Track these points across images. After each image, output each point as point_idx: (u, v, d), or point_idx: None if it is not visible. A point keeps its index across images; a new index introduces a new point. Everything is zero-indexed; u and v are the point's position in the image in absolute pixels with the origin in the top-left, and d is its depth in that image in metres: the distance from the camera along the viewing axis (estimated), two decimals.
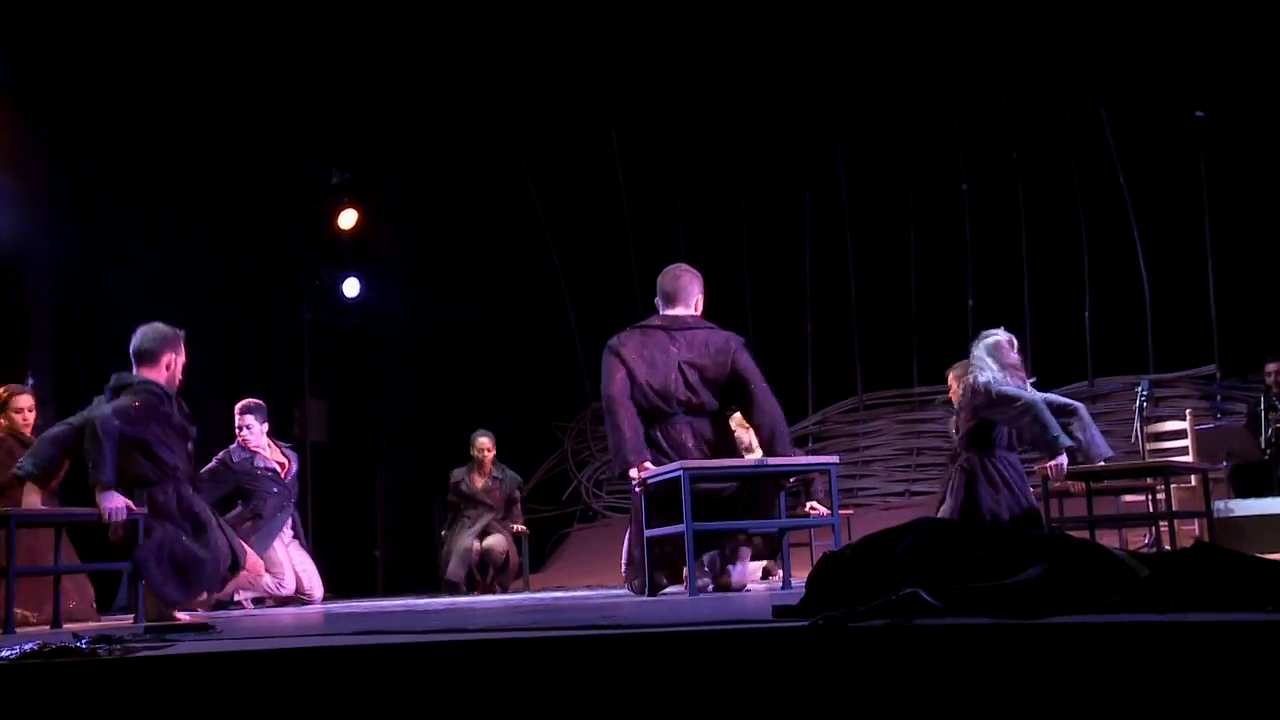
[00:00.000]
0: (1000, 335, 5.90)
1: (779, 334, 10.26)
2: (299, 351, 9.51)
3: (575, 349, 11.03)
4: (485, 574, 8.49)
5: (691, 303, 5.54)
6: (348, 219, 10.06)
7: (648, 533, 5.12)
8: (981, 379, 5.71)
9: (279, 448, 7.70)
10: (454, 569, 8.41)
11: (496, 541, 8.49)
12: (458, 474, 8.73)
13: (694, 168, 10.81)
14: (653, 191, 10.99)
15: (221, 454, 7.44)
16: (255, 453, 7.49)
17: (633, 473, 5.17)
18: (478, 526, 8.51)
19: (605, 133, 11.04)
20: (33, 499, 4.93)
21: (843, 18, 10.02)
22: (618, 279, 10.92)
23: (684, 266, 5.63)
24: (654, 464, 5.21)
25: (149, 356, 5.21)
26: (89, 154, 8.68)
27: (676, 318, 5.48)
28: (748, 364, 5.43)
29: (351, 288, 10.25)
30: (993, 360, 5.78)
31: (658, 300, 5.61)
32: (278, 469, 7.53)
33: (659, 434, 5.35)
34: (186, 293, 9.30)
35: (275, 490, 7.40)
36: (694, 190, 10.89)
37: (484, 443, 8.69)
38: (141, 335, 5.25)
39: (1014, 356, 5.85)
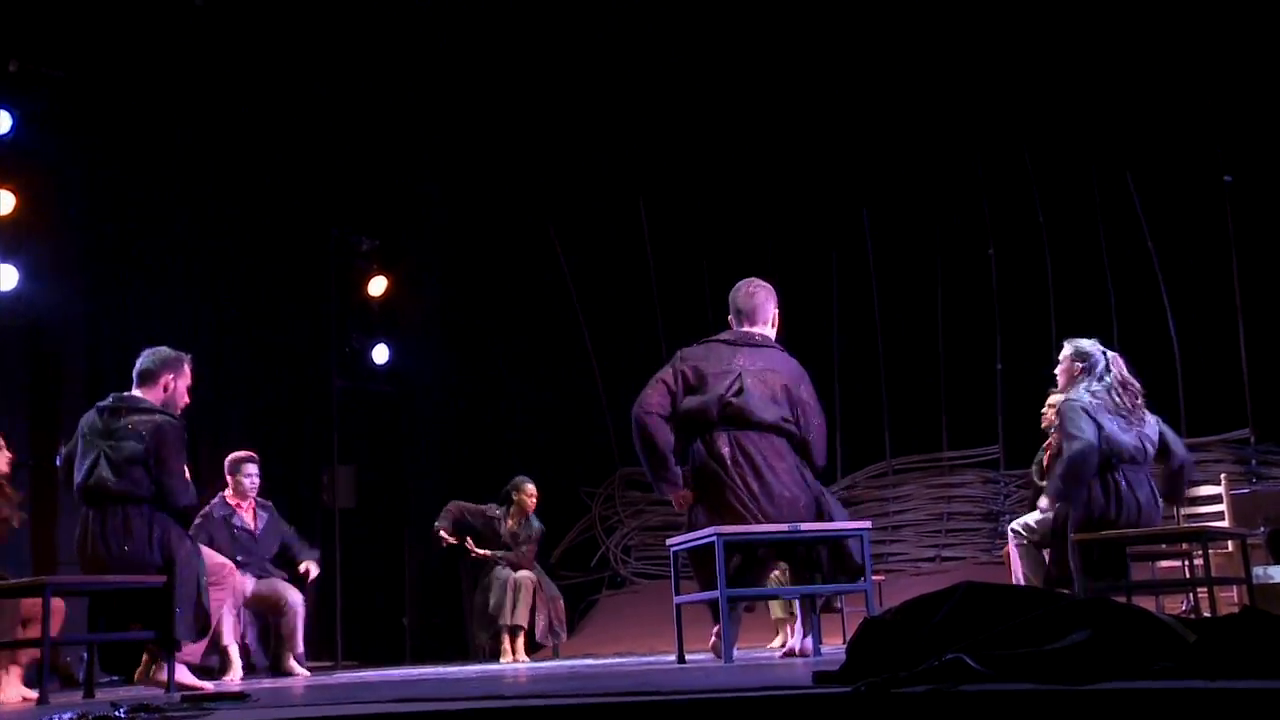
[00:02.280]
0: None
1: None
2: (328, 418, 9.54)
3: (603, 415, 11.04)
4: (514, 608, 8.26)
5: (767, 319, 5.30)
6: (377, 286, 10.14)
7: (685, 599, 5.08)
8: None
9: (254, 501, 7.59)
10: (494, 597, 8.29)
11: (526, 576, 8.39)
12: (495, 511, 8.67)
13: (721, 233, 10.87)
14: (680, 257, 11.05)
15: (205, 508, 7.28)
16: (236, 509, 7.39)
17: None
18: (507, 569, 8.41)
19: (633, 200, 11.13)
20: None
21: (869, 83, 10.12)
22: (645, 345, 10.94)
23: (758, 282, 5.37)
24: (687, 483, 5.09)
25: (149, 376, 5.33)
26: (122, 224, 8.82)
27: (747, 334, 5.23)
28: (811, 398, 5.23)
29: (381, 354, 10.31)
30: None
31: (731, 318, 5.37)
32: (250, 533, 7.39)
33: (700, 446, 5.08)
34: (217, 360, 9.38)
35: (239, 558, 7.06)
36: (721, 255, 10.93)
37: (531, 489, 8.64)
38: (144, 357, 5.38)
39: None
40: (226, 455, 7.67)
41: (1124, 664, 2.03)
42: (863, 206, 10.64)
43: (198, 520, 7.07)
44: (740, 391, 5.05)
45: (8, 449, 5.89)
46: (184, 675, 5.05)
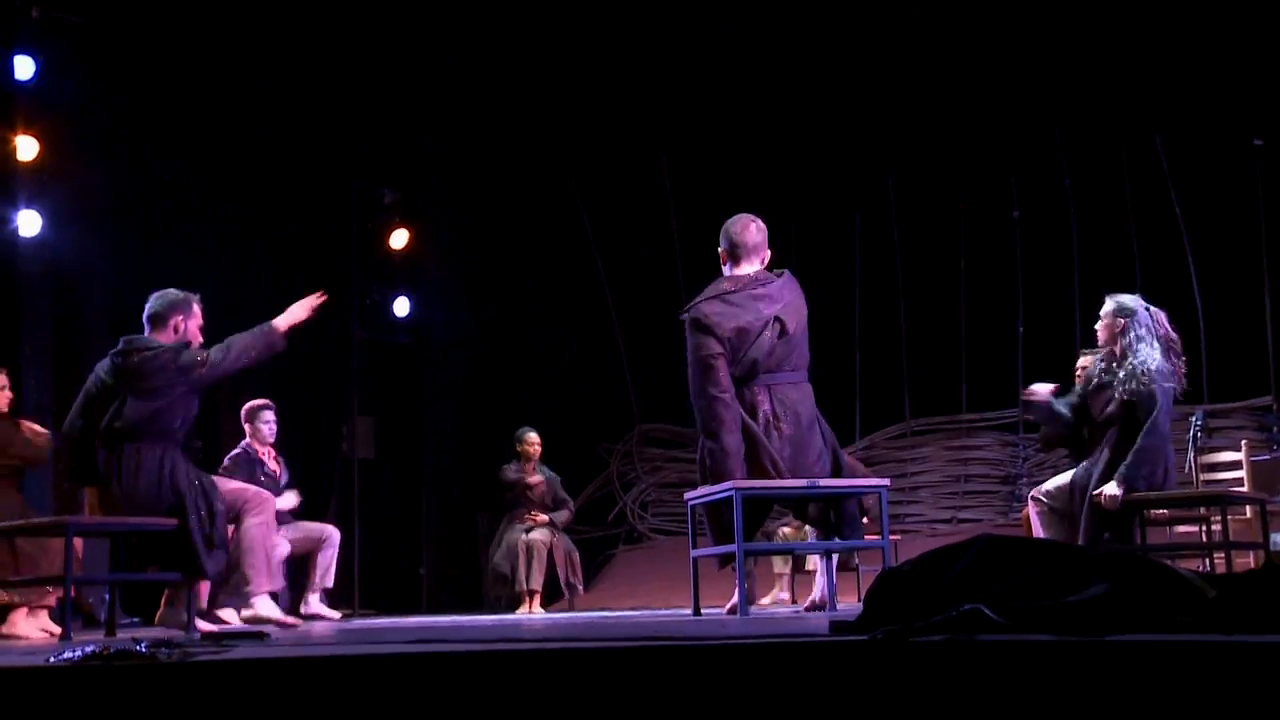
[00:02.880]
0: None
1: (828, 358, 10.22)
2: (348, 369, 9.56)
3: (623, 371, 11.05)
4: (529, 571, 8.32)
5: (764, 257, 5.15)
6: (399, 238, 10.13)
7: (701, 552, 5.09)
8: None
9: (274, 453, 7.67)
10: (499, 559, 8.39)
11: (540, 535, 8.46)
12: (510, 470, 8.74)
13: (744, 192, 10.79)
14: (703, 215, 10.98)
15: (236, 451, 7.38)
16: (260, 457, 7.46)
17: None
18: (524, 525, 8.50)
19: (656, 157, 11.08)
20: None
21: (896, 44, 10.02)
22: (666, 302, 10.91)
23: (751, 217, 5.22)
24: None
25: (158, 320, 5.38)
26: (145, 172, 8.82)
27: (756, 276, 5.06)
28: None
29: (402, 307, 10.32)
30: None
31: (722, 252, 5.20)
32: (275, 479, 7.43)
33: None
34: (240, 311, 9.38)
35: None
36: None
37: (533, 437, 8.72)
38: (152, 300, 5.44)
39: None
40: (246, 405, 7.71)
41: (1143, 617, 2.03)
42: (887, 167, 10.57)
43: (226, 463, 7.17)
44: (783, 334, 4.97)
45: (10, 389, 5.96)
46: (226, 614, 5.09)
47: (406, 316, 10.39)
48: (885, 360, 10.45)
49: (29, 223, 7.78)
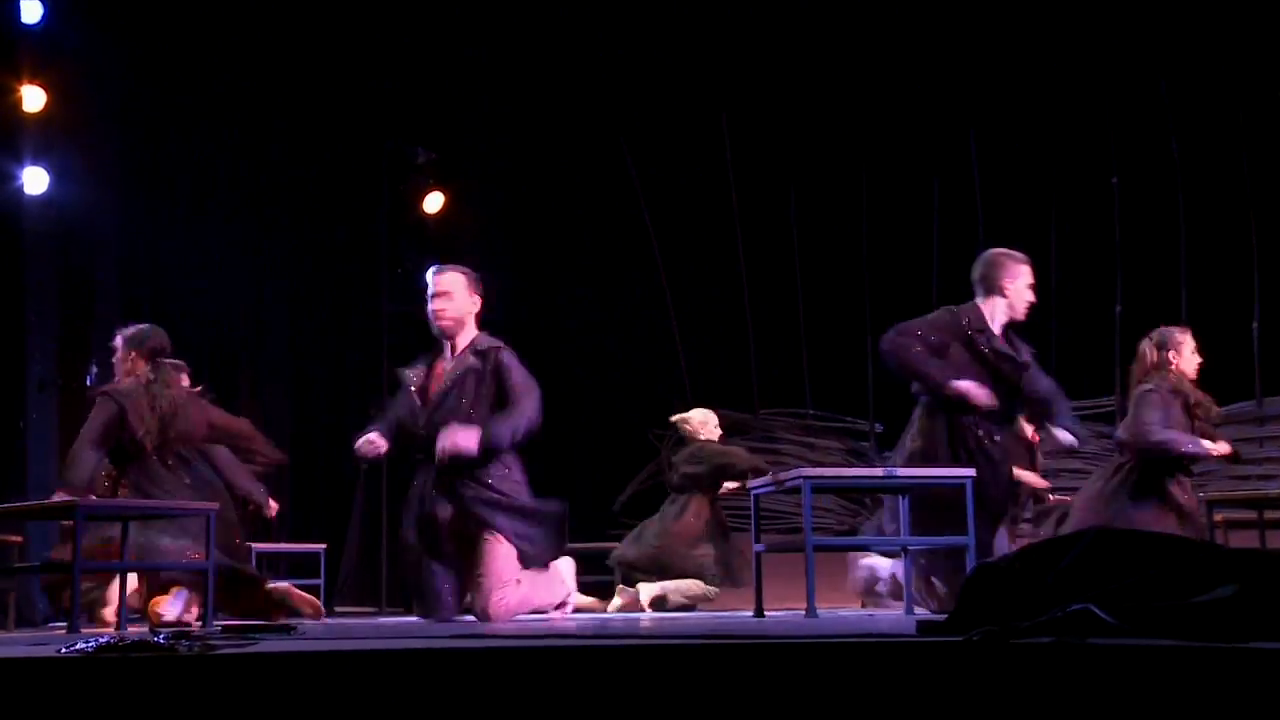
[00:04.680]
0: None
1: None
2: (377, 346, 9.58)
3: (675, 350, 11.00)
4: None
5: None
6: (433, 202, 10.14)
7: (766, 547, 5.05)
8: None
9: None
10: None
11: None
12: None
13: (811, 155, 10.73)
14: (765, 180, 10.93)
15: None
16: None
17: None
18: None
19: (715, 115, 11.00)
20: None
21: None
22: (723, 275, 10.87)
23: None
24: None
25: None
26: (159, 127, 8.87)
27: None
28: None
29: None
30: None
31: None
32: None
33: None
34: (257, 278, 9.46)
35: None
36: (810, 180, 10.80)
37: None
38: None
39: None
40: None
41: (1277, 622, 1.97)
42: (969, 126, 10.44)
43: None
44: None
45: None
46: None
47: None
48: None
49: (35, 180, 7.83)
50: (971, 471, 5.14)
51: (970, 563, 4.66)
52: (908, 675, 2.08)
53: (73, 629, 4.65)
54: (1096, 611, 2.04)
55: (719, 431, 8.40)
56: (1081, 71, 9.94)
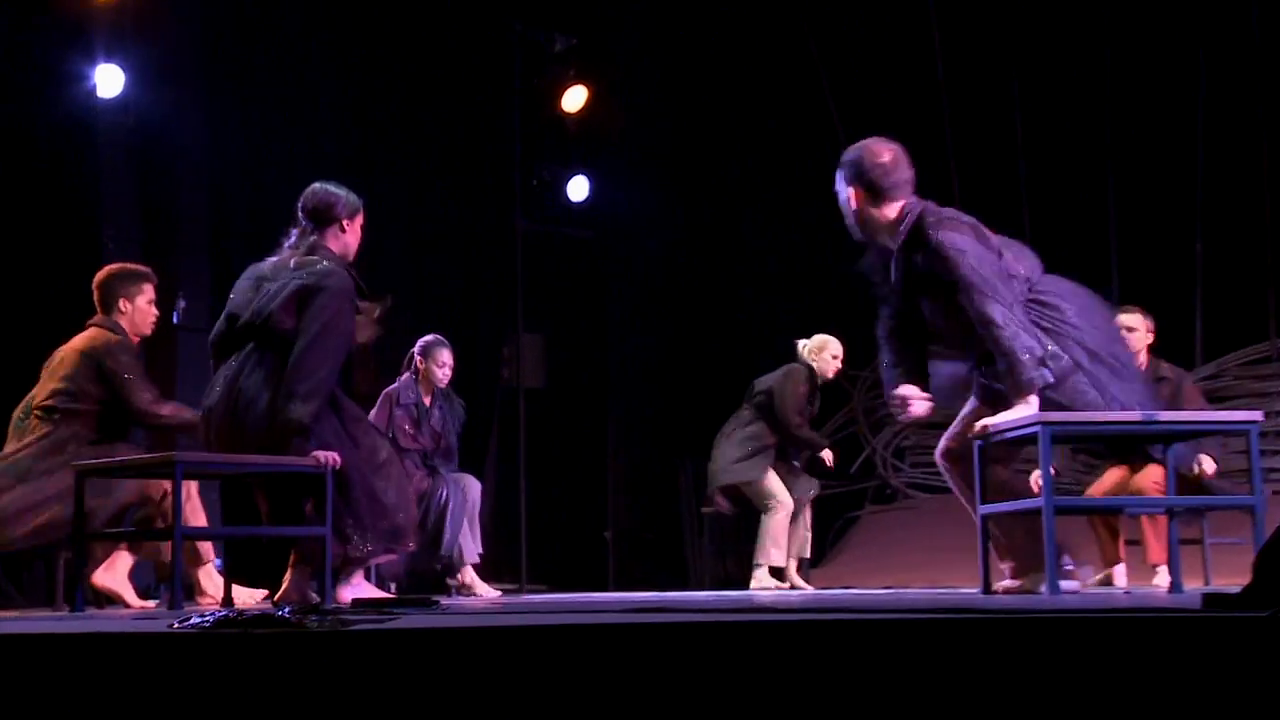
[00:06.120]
0: None
1: (1151, 255, 9.92)
2: (510, 271, 9.67)
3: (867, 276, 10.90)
4: None
5: None
6: (574, 99, 10.17)
7: (992, 508, 5.02)
8: None
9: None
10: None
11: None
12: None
13: (1037, 42, 10.47)
14: (981, 73, 10.72)
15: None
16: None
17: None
18: None
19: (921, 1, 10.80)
20: None
21: None
22: (929, 186, 10.67)
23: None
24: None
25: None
26: (249, 17, 9.00)
27: None
28: None
29: (578, 189, 10.38)
30: None
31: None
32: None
33: None
34: (368, 192, 9.56)
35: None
36: (1036, 71, 10.54)
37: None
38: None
39: None
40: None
41: None
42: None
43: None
44: None
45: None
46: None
47: (584, 202, 10.46)
48: (1236, 257, 10.02)
49: (109, 80, 8.02)
50: (1258, 415, 4.98)
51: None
52: (1190, 657, 2.09)
53: (174, 605, 4.81)
54: None
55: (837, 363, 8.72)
56: None
